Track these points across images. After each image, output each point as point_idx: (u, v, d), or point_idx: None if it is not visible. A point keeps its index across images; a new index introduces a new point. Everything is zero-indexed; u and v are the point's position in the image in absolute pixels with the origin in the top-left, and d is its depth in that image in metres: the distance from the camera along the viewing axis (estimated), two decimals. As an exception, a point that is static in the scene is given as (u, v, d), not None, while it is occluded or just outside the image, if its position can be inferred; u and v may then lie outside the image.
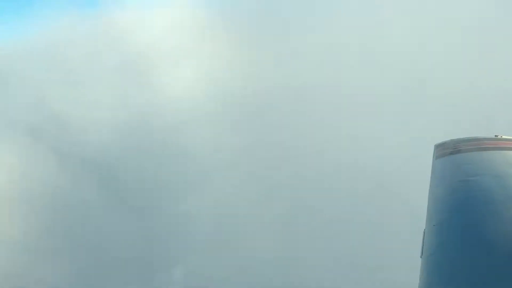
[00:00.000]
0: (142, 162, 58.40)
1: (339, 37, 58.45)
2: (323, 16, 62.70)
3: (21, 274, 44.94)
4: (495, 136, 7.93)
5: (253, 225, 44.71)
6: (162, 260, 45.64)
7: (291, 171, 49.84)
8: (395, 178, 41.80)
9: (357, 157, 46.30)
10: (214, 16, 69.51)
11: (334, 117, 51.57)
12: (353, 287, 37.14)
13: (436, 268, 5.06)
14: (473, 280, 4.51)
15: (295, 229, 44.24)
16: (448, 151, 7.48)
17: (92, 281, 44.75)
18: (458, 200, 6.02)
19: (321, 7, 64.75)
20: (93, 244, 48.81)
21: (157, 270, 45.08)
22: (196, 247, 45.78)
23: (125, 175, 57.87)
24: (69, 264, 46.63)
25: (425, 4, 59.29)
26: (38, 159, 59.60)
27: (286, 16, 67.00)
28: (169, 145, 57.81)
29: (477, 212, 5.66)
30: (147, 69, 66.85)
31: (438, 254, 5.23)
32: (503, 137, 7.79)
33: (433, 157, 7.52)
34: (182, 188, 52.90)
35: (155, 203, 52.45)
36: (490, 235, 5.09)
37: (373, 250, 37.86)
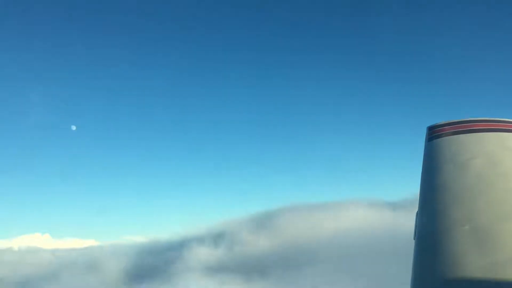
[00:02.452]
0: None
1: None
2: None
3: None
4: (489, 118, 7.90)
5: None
6: None
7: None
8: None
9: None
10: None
11: None
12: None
13: (428, 249, 5.09)
14: (464, 260, 4.54)
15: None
16: (440, 133, 7.43)
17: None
18: (450, 182, 6.03)
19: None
20: None
21: None
22: None
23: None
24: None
25: None
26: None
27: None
28: None
29: (468, 193, 5.68)
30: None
31: (430, 236, 5.27)
32: (497, 118, 7.76)
33: (425, 139, 7.49)
34: None
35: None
36: (481, 217, 5.12)
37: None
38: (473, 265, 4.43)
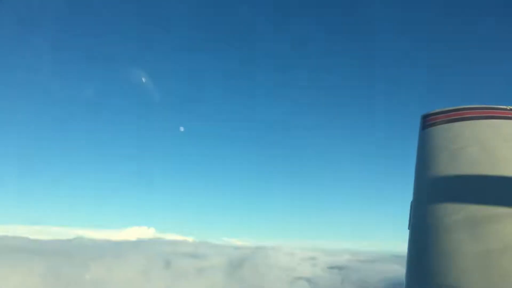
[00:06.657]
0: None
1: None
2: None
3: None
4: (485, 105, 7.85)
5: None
6: None
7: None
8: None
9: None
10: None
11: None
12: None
13: (423, 239, 5.04)
14: (459, 248, 4.49)
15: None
16: (435, 121, 7.37)
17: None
18: (444, 171, 5.97)
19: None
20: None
21: None
22: None
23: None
24: None
25: None
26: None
27: None
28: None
29: (463, 182, 5.63)
30: None
31: (424, 225, 5.22)
32: (491, 106, 7.71)
33: (420, 127, 7.43)
34: None
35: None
36: (475, 205, 5.07)
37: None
38: (468, 254, 4.38)
